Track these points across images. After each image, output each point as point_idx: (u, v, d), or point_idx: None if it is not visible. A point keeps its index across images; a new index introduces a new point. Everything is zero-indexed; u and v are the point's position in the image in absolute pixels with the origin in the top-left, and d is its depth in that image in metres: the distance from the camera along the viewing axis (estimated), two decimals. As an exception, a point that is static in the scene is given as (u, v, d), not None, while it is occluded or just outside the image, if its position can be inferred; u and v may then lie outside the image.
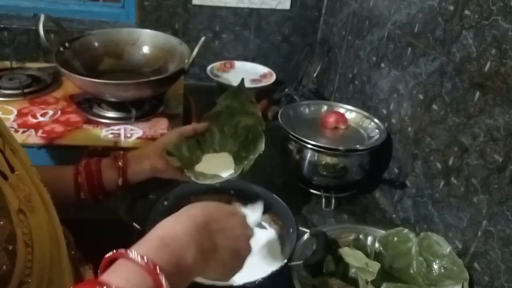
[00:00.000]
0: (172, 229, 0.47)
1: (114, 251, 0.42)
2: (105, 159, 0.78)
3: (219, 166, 0.82)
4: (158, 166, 0.78)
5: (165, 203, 0.81)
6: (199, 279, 0.65)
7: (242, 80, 0.93)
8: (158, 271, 0.39)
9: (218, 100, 0.85)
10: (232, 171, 0.81)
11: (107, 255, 0.42)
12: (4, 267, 0.38)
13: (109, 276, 0.39)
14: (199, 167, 0.82)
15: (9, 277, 0.38)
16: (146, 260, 0.40)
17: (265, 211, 0.80)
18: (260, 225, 0.81)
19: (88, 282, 0.39)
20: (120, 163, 0.76)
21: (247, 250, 0.55)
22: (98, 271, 0.42)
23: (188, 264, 0.44)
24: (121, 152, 0.79)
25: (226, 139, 0.88)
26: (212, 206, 0.54)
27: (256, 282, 0.65)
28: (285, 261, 0.70)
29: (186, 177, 0.79)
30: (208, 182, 0.78)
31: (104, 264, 0.42)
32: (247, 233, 0.55)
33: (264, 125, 0.82)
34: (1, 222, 0.39)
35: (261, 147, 0.80)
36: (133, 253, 0.40)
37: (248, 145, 0.85)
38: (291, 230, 0.77)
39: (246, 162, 0.81)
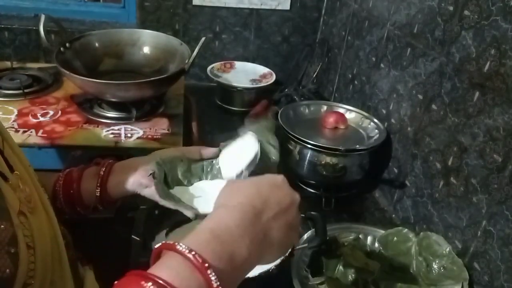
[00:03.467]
0: (223, 222, 0.43)
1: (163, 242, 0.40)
2: (90, 168, 0.70)
3: (209, 198, 0.67)
4: (142, 180, 0.66)
5: (156, 212, 0.74)
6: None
7: (273, 118, 0.87)
8: (206, 266, 0.37)
9: (245, 123, 0.76)
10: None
11: (156, 246, 0.40)
12: (7, 270, 0.38)
13: (157, 268, 0.37)
14: (179, 190, 0.70)
15: (12, 280, 0.38)
16: (194, 254, 0.37)
17: None
18: None
19: (134, 274, 0.36)
20: (101, 172, 0.67)
21: (297, 219, 0.51)
22: (150, 262, 0.40)
23: (243, 257, 0.42)
24: (109, 160, 0.70)
25: None
26: (253, 187, 0.50)
27: (270, 270, 0.65)
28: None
29: (164, 202, 0.65)
30: (180, 209, 0.64)
31: (154, 257, 0.40)
32: (294, 200, 0.51)
33: (278, 156, 0.75)
34: (2, 226, 0.38)
35: None
36: (182, 246, 0.38)
37: None
38: None
39: None
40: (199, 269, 0.37)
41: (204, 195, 0.69)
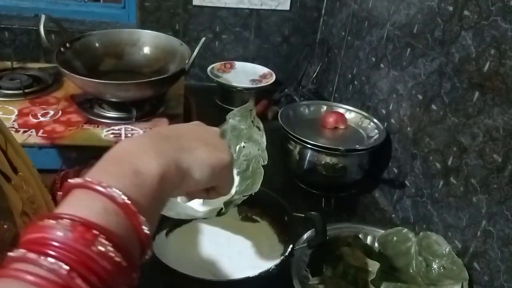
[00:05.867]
0: (120, 147, 0.38)
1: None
2: (86, 169, 0.67)
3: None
4: None
5: None
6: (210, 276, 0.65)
7: (252, 100, 0.89)
8: (104, 185, 0.32)
9: (227, 116, 0.79)
10: (216, 207, 0.65)
11: (57, 197, 0.35)
12: None
13: (56, 209, 0.33)
14: None
15: None
16: (87, 180, 0.33)
17: (253, 205, 0.79)
18: (252, 219, 0.81)
19: (34, 220, 0.31)
20: None
21: (217, 138, 0.47)
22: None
23: (152, 169, 0.36)
24: None
25: None
26: (172, 125, 0.47)
27: (270, 270, 0.65)
28: (291, 245, 0.70)
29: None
30: (173, 215, 0.62)
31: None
32: (208, 128, 0.48)
33: (267, 159, 0.75)
34: (5, 226, 0.38)
35: (257, 186, 0.65)
36: (74, 179, 0.33)
37: (246, 179, 0.71)
38: (286, 217, 0.77)
39: (237, 200, 0.64)
40: (98, 191, 0.32)
41: None
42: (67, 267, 0.28)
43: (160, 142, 0.39)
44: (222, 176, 0.45)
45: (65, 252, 0.28)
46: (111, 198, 0.32)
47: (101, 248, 0.29)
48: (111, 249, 0.30)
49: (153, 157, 0.36)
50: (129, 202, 0.32)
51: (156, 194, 0.35)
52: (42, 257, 0.28)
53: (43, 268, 0.27)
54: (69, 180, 0.34)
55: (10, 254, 0.29)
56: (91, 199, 0.32)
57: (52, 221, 0.30)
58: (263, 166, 0.69)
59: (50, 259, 0.28)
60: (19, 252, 0.29)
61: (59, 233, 0.29)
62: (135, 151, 0.37)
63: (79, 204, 0.32)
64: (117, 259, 0.30)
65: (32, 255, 0.28)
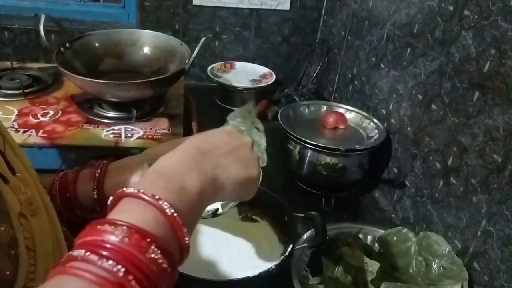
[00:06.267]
0: (165, 163, 0.43)
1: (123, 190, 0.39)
2: (85, 170, 0.69)
3: None
4: (138, 180, 0.67)
5: None
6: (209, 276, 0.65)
7: (252, 101, 0.88)
8: (157, 197, 0.37)
9: (227, 117, 0.79)
10: (214, 207, 0.65)
11: (108, 202, 0.39)
12: (7, 272, 0.37)
13: (111, 215, 0.37)
14: None
15: (12, 282, 0.38)
16: (143, 192, 0.37)
17: (253, 205, 0.80)
18: (252, 219, 0.81)
19: (91, 223, 0.35)
20: (96, 174, 0.66)
21: (252, 156, 0.51)
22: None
23: (195, 187, 0.41)
24: (103, 161, 0.70)
25: None
26: (199, 134, 0.50)
27: (270, 269, 0.65)
28: (291, 245, 0.70)
29: None
30: None
31: (109, 210, 0.39)
32: (244, 142, 0.52)
33: (266, 161, 0.75)
34: (2, 228, 0.38)
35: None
36: (129, 189, 0.37)
37: None
38: (286, 217, 0.77)
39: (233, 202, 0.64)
40: (151, 203, 0.36)
41: None
42: (123, 269, 0.31)
43: (200, 160, 0.44)
44: (249, 189, 0.51)
45: (122, 256, 0.32)
46: (162, 211, 0.36)
47: (153, 255, 0.33)
48: (160, 256, 0.34)
49: (195, 177, 0.42)
50: (176, 215, 0.36)
51: (195, 208, 0.41)
52: (102, 259, 0.31)
53: (102, 269, 0.31)
54: (124, 190, 0.38)
55: (71, 253, 0.33)
56: (144, 209, 0.36)
57: (110, 227, 0.34)
58: (262, 168, 0.69)
59: (110, 261, 0.31)
60: (79, 252, 0.32)
61: (117, 239, 0.33)
62: (180, 170, 0.42)
63: (134, 213, 0.36)
64: (164, 265, 0.34)
65: (93, 257, 0.32)
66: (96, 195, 0.66)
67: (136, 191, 0.37)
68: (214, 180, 0.44)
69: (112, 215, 0.36)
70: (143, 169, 0.66)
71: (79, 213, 0.68)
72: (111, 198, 0.39)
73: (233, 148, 0.49)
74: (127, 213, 0.36)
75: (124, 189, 0.38)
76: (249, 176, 0.50)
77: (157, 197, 0.36)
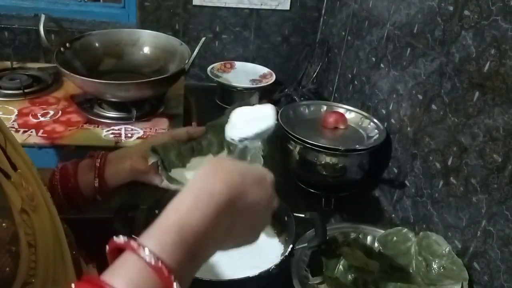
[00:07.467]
0: (191, 216, 0.39)
1: (123, 238, 0.37)
2: (84, 160, 0.71)
3: None
4: (139, 167, 0.70)
5: (156, 211, 0.74)
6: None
7: (255, 94, 0.87)
8: (173, 278, 0.35)
9: (225, 111, 0.79)
10: None
11: (116, 239, 0.37)
12: (8, 269, 0.37)
13: (113, 274, 0.35)
14: (178, 172, 0.73)
15: (12, 279, 0.38)
16: (161, 265, 0.35)
17: None
18: None
19: (88, 280, 0.34)
20: (97, 163, 0.69)
21: (265, 223, 0.49)
22: (107, 254, 0.38)
23: (204, 256, 0.41)
24: (102, 151, 0.72)
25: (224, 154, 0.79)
26: (239, 175, 0.45)
27: (270, 269, 0.65)
28: (291, 245, 0.70)
29: (165, 184, 0.72)
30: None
31: (112, 249, 0.38)
32: (272, 205, 0.49)
33: (266, 150, 0.75)
34: (4, 224, 0.38)
35: None
36: (146, 250, 0.35)
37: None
38: (286, 217, 0.77)
39: None
40: (162, 278, 0.35)
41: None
42: None
43: (221, 214, 0.41)
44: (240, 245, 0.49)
45: None
46: (162, 277, 0.35)
47: None
48: None
49: (210, 243, 0.40)
50: (176, 283, 0.35)
51: (196, 269, 0.40)
52: None
53: None
54: (131, 243, 0.36)
55: None
56: (139, 272, 0.35)
57: None
58: (262, 156, 0.72)
59: None
60: None
61: None
62: (202, 230, 0.39)
63: (129, 278, 0.34)
64: None
65: None
66: (97, 183, 0.68)
67: (153, 260, 0.35)
68: (220, 246, 0.43)
69: (114, 277, 0.34)
70: (148, 155, 0.70)
71: (81, 202, 0.69)
72: (119, 240, 0.37)
73: (259, 209, 0.46)
74: (129, 280, 0.34)
75: (141, 248, 0.35)
76: (249, 243, 0.49)
77: (173, 277, 0.35)
